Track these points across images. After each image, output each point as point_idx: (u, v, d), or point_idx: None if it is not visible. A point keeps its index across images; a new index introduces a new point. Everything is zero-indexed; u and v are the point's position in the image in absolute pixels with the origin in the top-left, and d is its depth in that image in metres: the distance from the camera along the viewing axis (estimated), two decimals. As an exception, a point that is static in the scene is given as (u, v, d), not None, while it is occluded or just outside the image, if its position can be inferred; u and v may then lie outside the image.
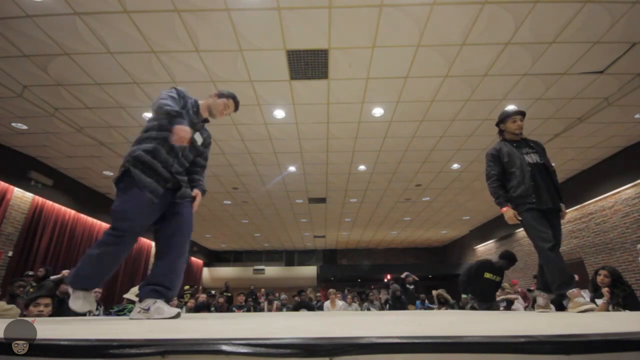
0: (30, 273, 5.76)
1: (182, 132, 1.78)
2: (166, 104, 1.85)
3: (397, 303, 7.06)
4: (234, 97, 2.32)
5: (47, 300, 3.13)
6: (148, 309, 1.78)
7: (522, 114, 2.80)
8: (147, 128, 1.97)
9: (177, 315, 1.78)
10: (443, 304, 7.17)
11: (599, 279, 3.71)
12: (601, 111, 5.29)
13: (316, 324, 1.21)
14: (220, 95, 2.28)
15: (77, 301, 1.77)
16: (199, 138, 2.16)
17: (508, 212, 2.56)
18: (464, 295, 4.59)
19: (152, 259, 11.65)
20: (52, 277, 5.47)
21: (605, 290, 3.58)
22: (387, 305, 7.41)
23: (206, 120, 2.27)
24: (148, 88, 4.75)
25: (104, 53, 4.07)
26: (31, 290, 4.39)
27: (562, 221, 2.61)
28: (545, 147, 2.82)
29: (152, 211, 1.87)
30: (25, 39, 3.83)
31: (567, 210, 7.99)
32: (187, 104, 2.10)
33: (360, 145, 6.55)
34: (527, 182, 2.53)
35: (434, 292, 7.45)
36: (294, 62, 4.31)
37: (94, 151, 6.59)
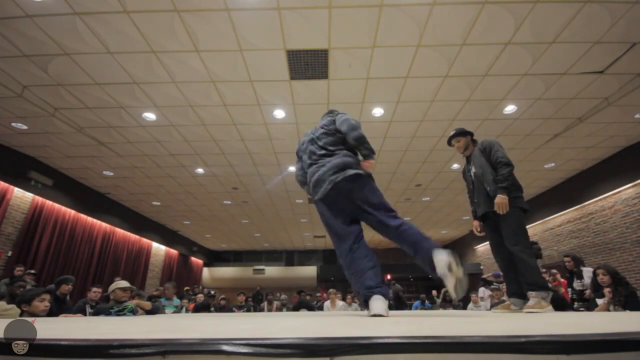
0: (32, 272, 5.77)
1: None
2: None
3: (398, 303, 7.06)
4: None
5: (49, 296, 3.15)
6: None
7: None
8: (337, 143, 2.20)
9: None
10: (449, 302, 7.13)
11: (599, 278, 3.72)
12: (601, 111, 5.29)
13: (316, 324, 1.21)
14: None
15: None
16: None
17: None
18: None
19: (152, 259, 11.64)
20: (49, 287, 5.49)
21: (606, 290, 3.58)
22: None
23: None
24: (148, 88, 4.75)
25: (104, 53, 4.07)
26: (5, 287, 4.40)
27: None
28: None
29: None
30: (25, 39, 3.83)
31: (567, 211, 8.09)
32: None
33: (360, 145, 6.54)
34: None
35: (443, 290, 7.38)
36: (294, 62, 4.31)
37: (94, 151, 6.59)
